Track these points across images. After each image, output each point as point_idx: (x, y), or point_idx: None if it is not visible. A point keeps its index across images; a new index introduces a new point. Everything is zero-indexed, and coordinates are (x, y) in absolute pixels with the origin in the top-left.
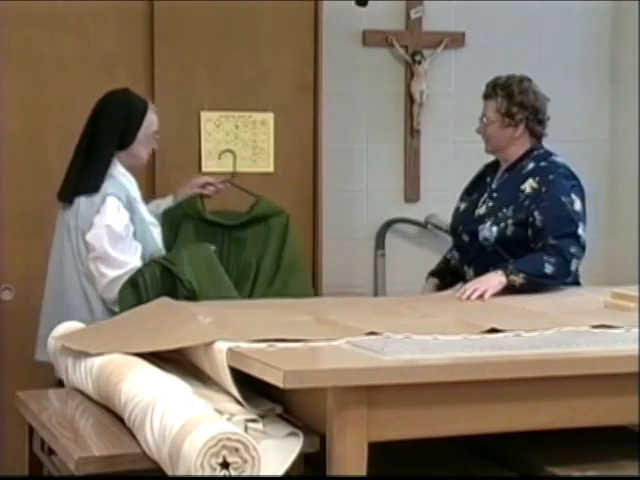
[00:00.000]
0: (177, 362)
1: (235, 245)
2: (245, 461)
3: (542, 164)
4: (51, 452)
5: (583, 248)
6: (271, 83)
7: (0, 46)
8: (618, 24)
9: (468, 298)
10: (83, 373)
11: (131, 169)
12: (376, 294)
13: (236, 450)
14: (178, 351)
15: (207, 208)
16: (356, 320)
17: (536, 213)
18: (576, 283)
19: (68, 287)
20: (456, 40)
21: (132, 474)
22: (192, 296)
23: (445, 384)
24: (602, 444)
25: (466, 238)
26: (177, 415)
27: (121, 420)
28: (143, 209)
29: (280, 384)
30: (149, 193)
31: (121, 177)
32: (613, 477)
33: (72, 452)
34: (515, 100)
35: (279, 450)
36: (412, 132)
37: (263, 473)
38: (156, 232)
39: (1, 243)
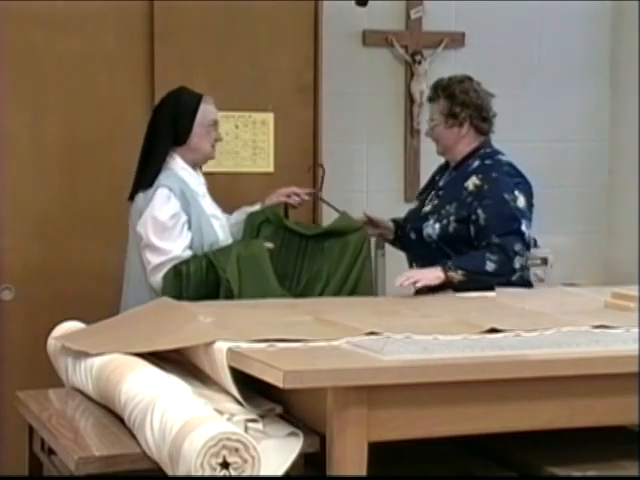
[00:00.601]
0: (177, 362)
1: (310, 254)
2: (245, 461)
3: (487, 162)
4: (51, 452)
5: (527, 245)
6: (271, 83)
7: (0, 46)
8: (618, 24)
9: (401, 285)
10: (83, 373)
11: (196, 163)
12: (376, 294)
13: (236, 450)
14: (178, 351)
15: (290, 219)
16: (356, 320)
17: (479, 211)
18: (527, 284)
19: (135, 283)
20: (456, 40)
21: (132, 474)
22: (230, 295)
23: (445, 384)
24: (602, 444)
25: (413, 236)
26: (177, 415)
27: (121, 420)
28: (205, 201)
29: (280, 384)
30: None
31: (180, 170)
32: (613, 477)
33: (72, 452)
34: (457, 100)
35: (279, 450)
36: (412, 132)
37: (263, 473)
38: (218, 224)
39: (1, 243)
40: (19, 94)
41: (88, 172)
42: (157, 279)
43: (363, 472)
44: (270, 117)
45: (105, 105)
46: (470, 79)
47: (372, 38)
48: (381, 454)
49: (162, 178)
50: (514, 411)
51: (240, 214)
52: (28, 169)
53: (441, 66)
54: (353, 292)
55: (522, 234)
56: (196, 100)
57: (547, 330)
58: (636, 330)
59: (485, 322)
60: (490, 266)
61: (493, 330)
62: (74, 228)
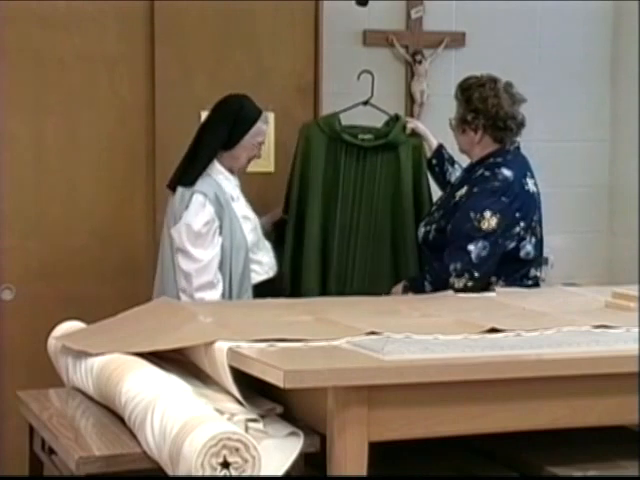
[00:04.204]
0: (177, 362)
1: (370, 168)
2: (246, 461)
3: (486, 173)
4: (52, 452)
5: (476, 265)
6: (271, 83)
7: (0, 46)
8: (618, 24)
9: None
10: (83, 373)
11: (231, 170)
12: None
13: (237, 450)
14: (178, 351)
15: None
16: (356, 320)
17: (451, 222)
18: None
19: (166, 271)
20: (456, 40)
21: (132, 474)
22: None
23: (445, 384)
24: (602, 444)
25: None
26: (177, 415)
27: (121, 420)
28: (238, 204)
29: (280, 384)
30: (149, 194)
31: (217, 175)
32: (613, 477)
33: (73, 452)
34: (470, 107)
35: (279, 450)
36: (413, 132)
37: (263, 473)
38: (249, 226)
39: (1, 243)
40: (19, 94)
41: (88, 172)
42: (182, 285)
43: (363, 472)
44: (270, 117)
45: (105, 105)
46: (495, 81)
47: (372, 38)
48: (381, 454)
49: (198, 184)
50: (514, 411)
51: (266, 221)
52: (28, 169)
53: (442, 66)
54: (416, 200)
55: (469, 253)
56: (256, 114)
57: (547, 330)
58: (636, 330)
59: (485, 322)
60: (428, 287)
61: (493, 330)
62: (74, 228)
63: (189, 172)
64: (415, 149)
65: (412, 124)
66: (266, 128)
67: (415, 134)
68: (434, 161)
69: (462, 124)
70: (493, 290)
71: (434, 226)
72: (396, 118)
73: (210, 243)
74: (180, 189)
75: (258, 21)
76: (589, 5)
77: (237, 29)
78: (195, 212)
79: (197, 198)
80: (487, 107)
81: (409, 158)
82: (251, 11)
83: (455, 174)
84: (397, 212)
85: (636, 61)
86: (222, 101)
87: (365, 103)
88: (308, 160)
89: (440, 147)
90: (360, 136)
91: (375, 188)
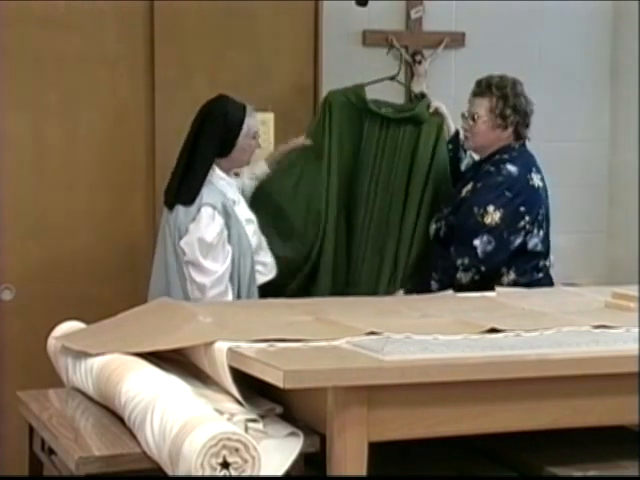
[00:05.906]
0: (177, 362)
1: (391, 140)
2: (245, 461)
3: (491, 169)
4: (51, 452)
5: (483, 260)
6: (271, 83)
7: (0, 46)
8: (618, 24)
9: None
10: (83, 373)
11: (231, 171)
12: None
13: (236, 450)
14: (178, 351)
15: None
16: (356, 320)
17: (457, 218)
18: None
19: (171, 281)
20: (456, 40)
21: (132, 474)
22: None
23: (445, 384)
24: (602, 444)
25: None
26: (177, 415)
27: (121, 420)
28: (240, 208)
29: (280, 384)
30: (149, 194)
31: (219, 181)
32: (613, 477)
33: (72, 452)
34: (509, 103)
35: (279, 450)
36: (436, 111)
37: (263, 473)
38: (251, 230)
39: (1, 243)
40: (19, 94)
41: (88, 172)
42: (196, 296)
43: (363, 472)
44: (270, 117)
45: (105, 105)
46: (520, 83)
47: (372, 38)
48: (381, 454)
49: (204, 195)
50: (514, 411)
51: (250, 179)
52: (28, 169)
53: (441, 66)
54: (428, 179)
55: (474, 248)
56: (242, 113)
57: (547, 330)
58: (636, 330)
59: (485, 322)
60: (434, 286)
61: (493, 330)
62: (74, 228)
63: (186, 189)
64: (439, 128)
65: (437, 103)
66: (255, 119)
67: (438, 114)
68: (450, 145)
69: (499, 118)
70: (503, 282)
71: (444, 222)
72: (422, 96)
73: (221, 254)
74: (181, 208)
75: (258, 21)
76: (589, 5)
77: (237, 29)
78: (206, 225)
79: (206, 211)
80: (522, 104)
81: (432, 135)
82: (251, 11)
83: (465, 162)
84: (410, 188)
85: (636, 61)
86: (205, 110)
87: (392, 78)
88: (330, 127)
89: (457, 133)
90: (384, 109)
91: (395, 161)
